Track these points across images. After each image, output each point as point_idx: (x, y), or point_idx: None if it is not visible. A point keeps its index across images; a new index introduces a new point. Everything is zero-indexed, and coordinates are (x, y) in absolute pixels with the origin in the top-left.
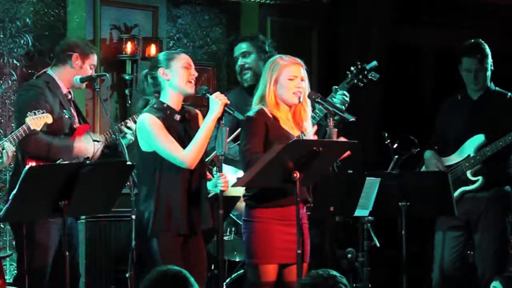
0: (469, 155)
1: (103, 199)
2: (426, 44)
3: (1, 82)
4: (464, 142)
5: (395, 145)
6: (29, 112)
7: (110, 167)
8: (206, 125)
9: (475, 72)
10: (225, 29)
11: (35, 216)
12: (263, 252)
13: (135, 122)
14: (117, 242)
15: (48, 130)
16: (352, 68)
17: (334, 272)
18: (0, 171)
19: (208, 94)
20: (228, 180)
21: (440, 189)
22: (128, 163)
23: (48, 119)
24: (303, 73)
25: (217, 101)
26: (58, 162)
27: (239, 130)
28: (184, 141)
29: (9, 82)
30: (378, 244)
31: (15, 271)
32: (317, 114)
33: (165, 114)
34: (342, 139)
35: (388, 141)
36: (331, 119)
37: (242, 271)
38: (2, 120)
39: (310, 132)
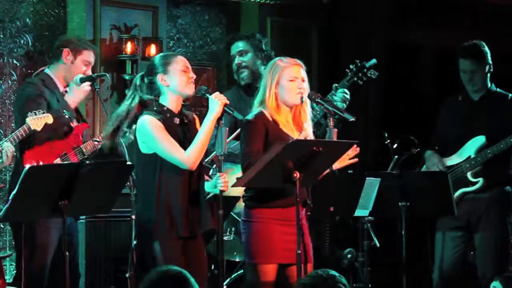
0: (469, 156)
1: (103, 199)
2: (426, 44)
3: (1, 82)
4: (464, 143)
5: (395, 145)
6: (29, 112)
7: (110, 167)
8: (206, 125)
9: (470, 73)
10: (225, 29)
11: (35, 216)
12: (263, 252)
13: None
14: (117, 242)
15: (46, 128)
16: (351, 66)
17: (334, 272)
18: (0, 171)
19: (207, 94)
20: (228, 180)
21: (440, 189)
22: (128, 163)
23: (49, 119)
24: (303, 74)
25: (217, 101)
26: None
27: (239, 130)
28: (184, 144)
29: (9, 82)
30: (378, 244)
31: (15, 271)
32: (317, 112)
33: (165, 116)
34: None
35: (388, 141)
36: (331, 119)
37: (242, 271)
38: (2, 120)
39: (310, 133)
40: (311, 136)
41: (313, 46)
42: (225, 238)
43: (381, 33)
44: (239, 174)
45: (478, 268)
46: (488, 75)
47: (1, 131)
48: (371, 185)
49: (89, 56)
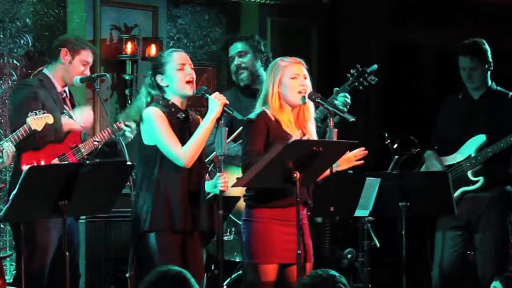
0: (470, 155)
1: (103, 199)
2: (426, 44)
3: (1, 82)
4: (465, 142)
5: (395, 145)
6: (30, 112)
7: (110, 167)
8: (205, 124)
9: (469, 70)
10: (225, 29)
11: (35, 216)
12: (263, 251)
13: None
14: (117, 242)
15: (43, 128)
16: (352, 71)
17: (333, 272)
18: (0, 171)
19: (207, 94)
20: (228, 180)
21: (440, 189)
22: (128, 163)
23: (49, 119)
24: (305, 71)
25: (217, 101)
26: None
27: (239, 130)
28: (184, 140)
29: (9, 82)
30: (378, 244)
31: (15, 271)
32: (318, 115)
33: (170, 110)
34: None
35: (388, 141)
36: (331, 119)
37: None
38: (2, 120)
39: (313, 132)
40: (314, 136)
41: (313, 46)
42: (225, 238)
43: (381, 33)
44: (239, 174)
45: (478, 267)
46: (488, 73)
47: (1, 131)
48: (371, 185)
49: (87, 56)
